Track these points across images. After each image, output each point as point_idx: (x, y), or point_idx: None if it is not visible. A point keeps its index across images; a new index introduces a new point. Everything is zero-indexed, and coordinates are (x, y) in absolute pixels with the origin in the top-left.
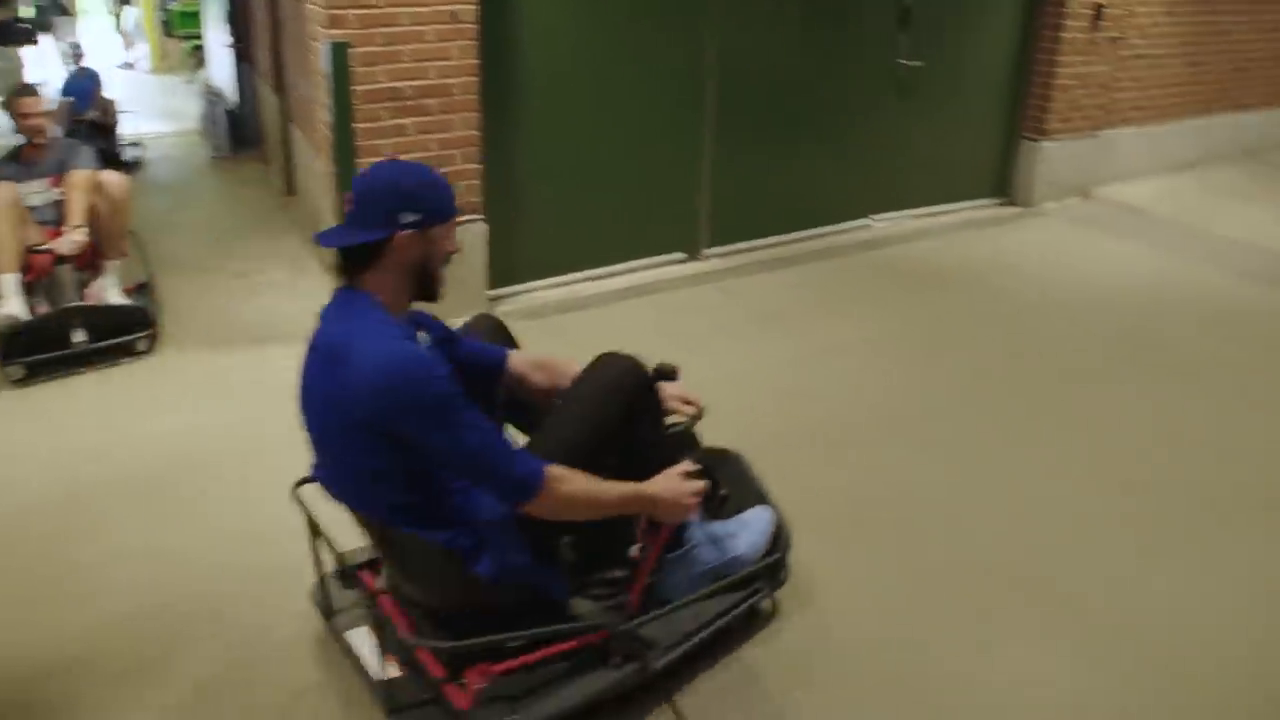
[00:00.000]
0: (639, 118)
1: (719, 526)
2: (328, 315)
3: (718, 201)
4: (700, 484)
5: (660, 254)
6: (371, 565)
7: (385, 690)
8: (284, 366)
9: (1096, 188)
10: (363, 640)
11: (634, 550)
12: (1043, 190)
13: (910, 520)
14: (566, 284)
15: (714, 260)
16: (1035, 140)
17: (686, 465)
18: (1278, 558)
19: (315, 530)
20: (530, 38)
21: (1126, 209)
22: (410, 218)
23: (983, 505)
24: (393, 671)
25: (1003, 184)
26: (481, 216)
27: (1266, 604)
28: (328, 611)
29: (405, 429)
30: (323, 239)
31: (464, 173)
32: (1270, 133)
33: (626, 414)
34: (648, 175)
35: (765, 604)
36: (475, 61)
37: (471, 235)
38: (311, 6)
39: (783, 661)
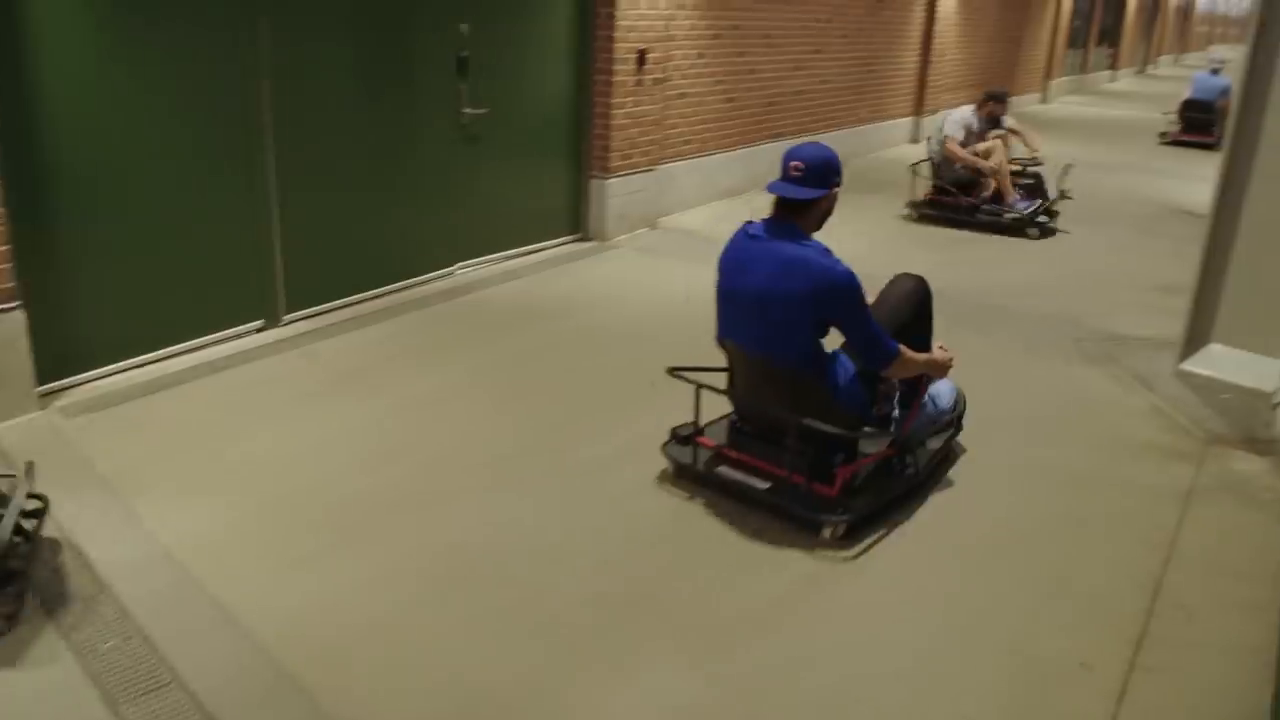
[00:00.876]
0: (193, 186)
1: (932, 389)
2: (769, 234)
3: (293, 264)
4: (953, 354)
5: (236, 324)
6: (699, 432)
7: (768, 495)
8: None
9: (661, 218)
10: (730, 473)
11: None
12: (614, 224)
13: (513, 565)
14: (134, 367)
15: (296, 325)
16: (601, 178)
17: (942, 345)
18: None
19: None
20: (53, 98)
21: (689, 234)
22: (835, 182)
23: (586, 538)
24: (764, 485)
25: (577, 221)
26: (18, 303)
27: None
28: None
29: (837, 315)
30: (781, 189)
31: None
32: None
33: (916, 312)
34: (211, 243)
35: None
36: None
37: (7, 326)
38: None
39: None
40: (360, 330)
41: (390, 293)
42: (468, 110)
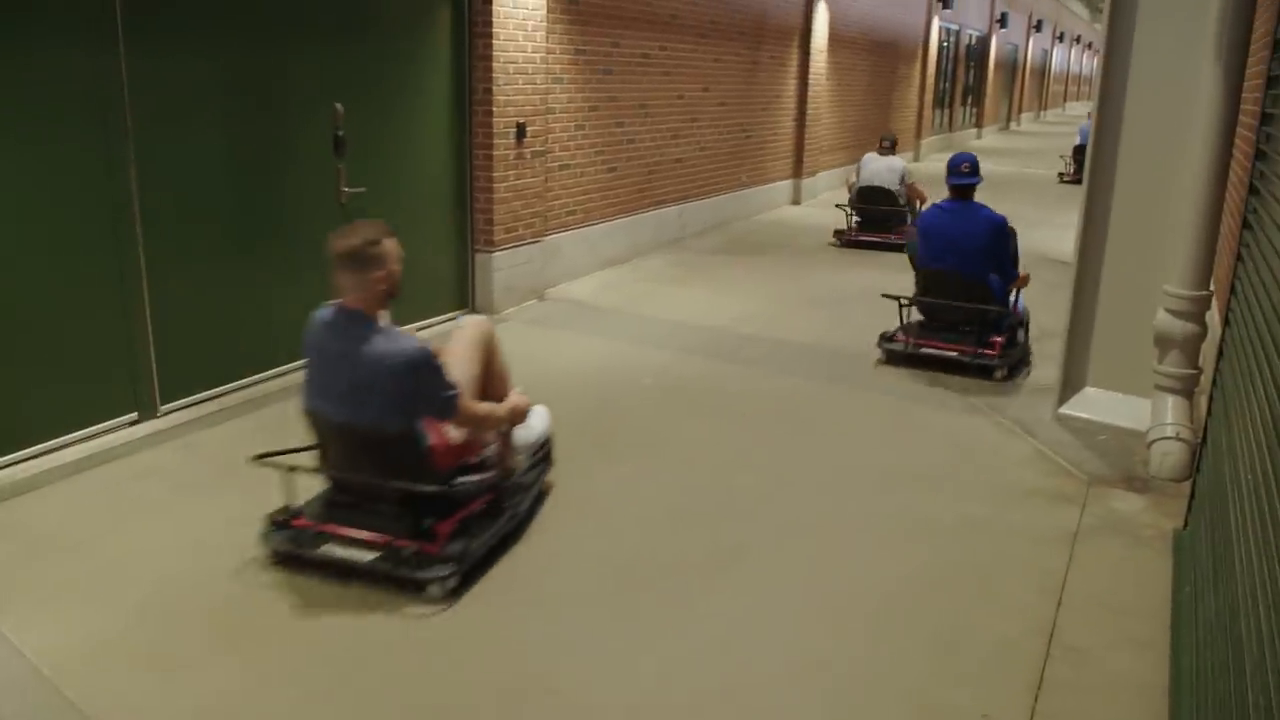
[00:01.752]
0: (54, 278)
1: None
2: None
3: (169, 352)
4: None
5: (107, 418)
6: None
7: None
8: None
9: (549, 288)
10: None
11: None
12: (501, 297)
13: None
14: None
15: (174, 415)
16: (487, 252)
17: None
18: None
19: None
20: None
21: (577, 305)
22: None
23: (463, 638)
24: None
25: (465, 295)
26: None
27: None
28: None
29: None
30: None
31: None
32: (687, 222)
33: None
34: (77, 336)
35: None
36: None
37: None
38: None
39: None
40: (245, 417)
41: (275, 376)
42: (346, 189)
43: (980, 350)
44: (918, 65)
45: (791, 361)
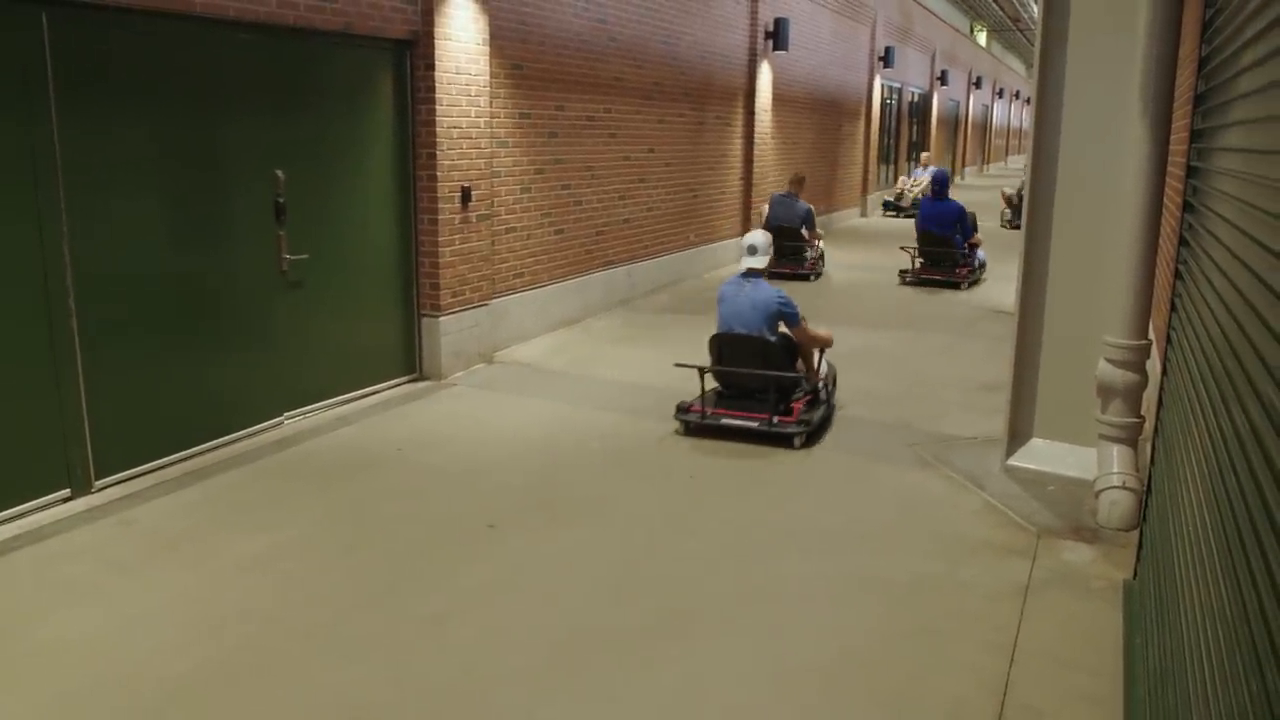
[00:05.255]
0: None
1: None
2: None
3: (103, 426)
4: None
5: (39, 495)
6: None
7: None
8: None
9: (498, 352)
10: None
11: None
12: (449, 362)
13: None
14: None
15: (109, 490)
16: (434, 316)
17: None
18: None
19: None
20: None
21: (526, 367)
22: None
23: (421, 696)
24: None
25: (412, 361)
26: None
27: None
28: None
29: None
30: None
31: None
32: (636, 282)
33: None
34: (4, 412)
35: None
36: None
37: None
38: None
39: None
40: (182, 491)
41: (214, 449)
42: (288, 256)
43: (957, 270)
44: (862, 122)
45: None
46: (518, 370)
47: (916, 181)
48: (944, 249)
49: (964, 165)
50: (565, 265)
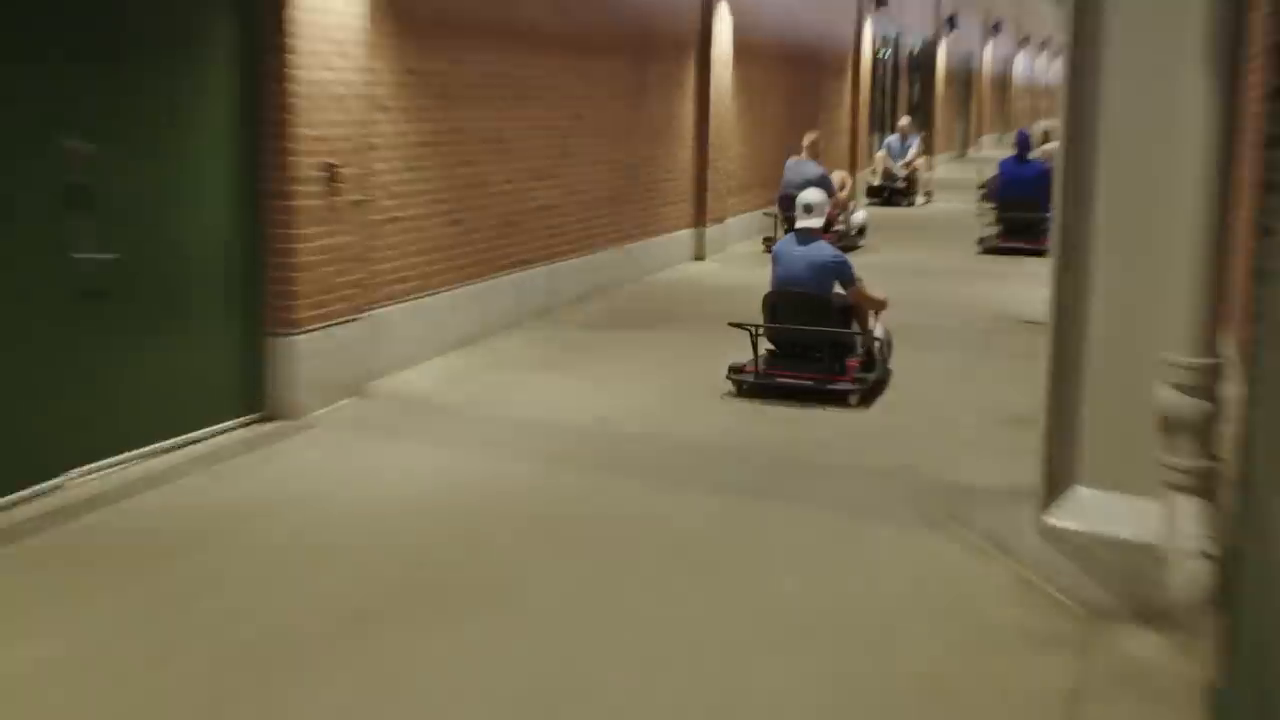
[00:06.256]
0: None
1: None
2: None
3: None
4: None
5: None
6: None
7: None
8: None
9: (374, 381)
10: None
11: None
12: (307, 396)
13: None
14: None
15: None
16: (286, 335)
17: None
18: None
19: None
20: None
21: (412, 402)
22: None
23: None
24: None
25: (255, 396)
26: None
27: None
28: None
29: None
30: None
31: None
32: (558, 288)
33: None
34: None
35: None
36: None
37: None
38: None
39: None
40: None
41: None
42: (87, 257)
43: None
44: (848, 80)
45: (695, 471)
46: (401, 406)
47: (908, 162)
48: (1031, 214)
49: (979, 134)
50: (466, 266)
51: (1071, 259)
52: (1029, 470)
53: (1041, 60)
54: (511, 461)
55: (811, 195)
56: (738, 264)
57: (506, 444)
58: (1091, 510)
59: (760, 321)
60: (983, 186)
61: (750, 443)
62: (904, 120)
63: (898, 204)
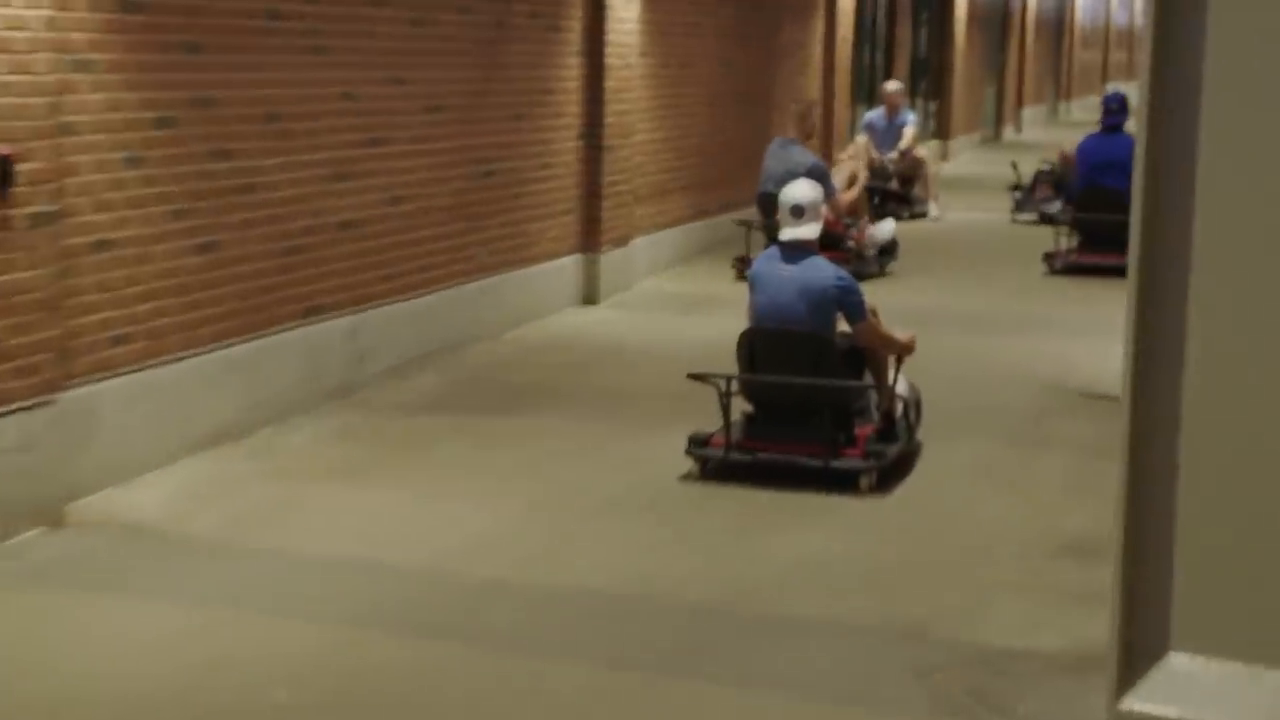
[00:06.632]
0: None
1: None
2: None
3: None
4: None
5: None
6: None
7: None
8: None
9: (77, 502)
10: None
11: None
12: None
13: None
14: None
15: None
16: None
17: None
18: None
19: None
20: None
21: (135, 534)
22: None
23: None
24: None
25: None
26: None
27: None
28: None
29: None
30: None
31: None
32: (368, 350)
33: None
34: None
35: None
36: None
37: None
38: None
39: None
40: None
41: None
42: None
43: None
44: (819, 22)
45: (578, 632)
46: (117, 541)
47: (904, 150)
48: (1122, 216)
49: (1021, 104)
50: (223, 318)
51: (1158, 293)
52: (1097, 627)
53: None
54: (297, 620)
55: (800, 192)
56: (654, 309)
57: (288, 594)
58: (1193, 688)
59: (733, 371)
60: (1051, 169)
61: (672, 584)
62: (892, 85)
63: (896, 214)
